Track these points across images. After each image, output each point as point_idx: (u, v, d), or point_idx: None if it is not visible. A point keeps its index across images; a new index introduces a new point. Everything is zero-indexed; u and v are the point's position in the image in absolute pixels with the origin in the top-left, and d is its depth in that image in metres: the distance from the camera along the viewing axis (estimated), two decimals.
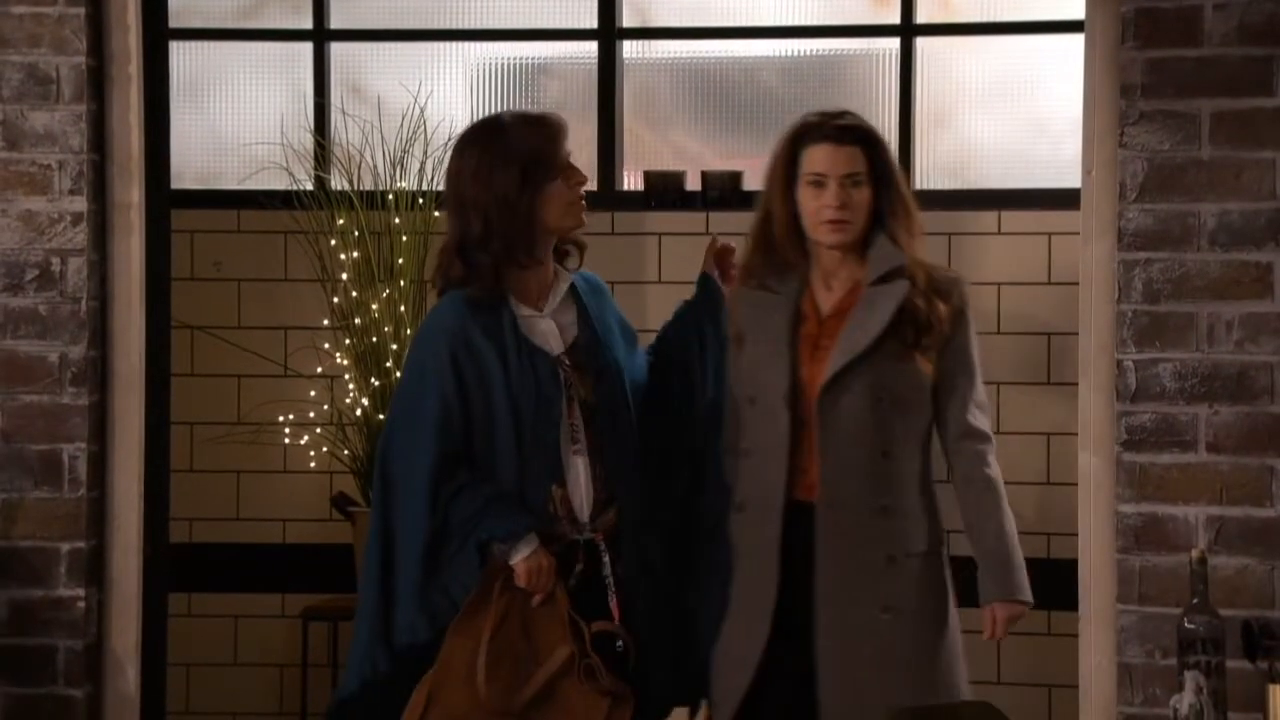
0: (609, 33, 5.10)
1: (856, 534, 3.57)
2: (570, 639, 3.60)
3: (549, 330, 3.71)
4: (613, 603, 3.65)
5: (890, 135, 4.94)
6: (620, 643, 3.62)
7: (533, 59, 5.32)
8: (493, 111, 3.85)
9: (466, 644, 3.60)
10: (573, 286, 3.72)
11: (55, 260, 4.42)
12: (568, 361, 3.69)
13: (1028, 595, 3.64)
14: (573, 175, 3.64)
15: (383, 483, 3.70)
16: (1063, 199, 4.69)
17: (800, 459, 3.60)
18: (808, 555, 3.58)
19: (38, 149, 4.42)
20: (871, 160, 3.63)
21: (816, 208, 3.61)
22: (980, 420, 3.67)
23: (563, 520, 3.67)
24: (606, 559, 3.66)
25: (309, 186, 5.20)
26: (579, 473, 3.68)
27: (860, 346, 3.59)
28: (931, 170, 5.03)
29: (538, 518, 3.64)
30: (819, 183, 3.61)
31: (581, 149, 5.01)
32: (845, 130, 3.63)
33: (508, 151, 3.60)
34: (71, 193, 4.42)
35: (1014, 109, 5.04)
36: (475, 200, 3.62)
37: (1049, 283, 4.98)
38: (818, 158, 3.61)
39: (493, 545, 3.63)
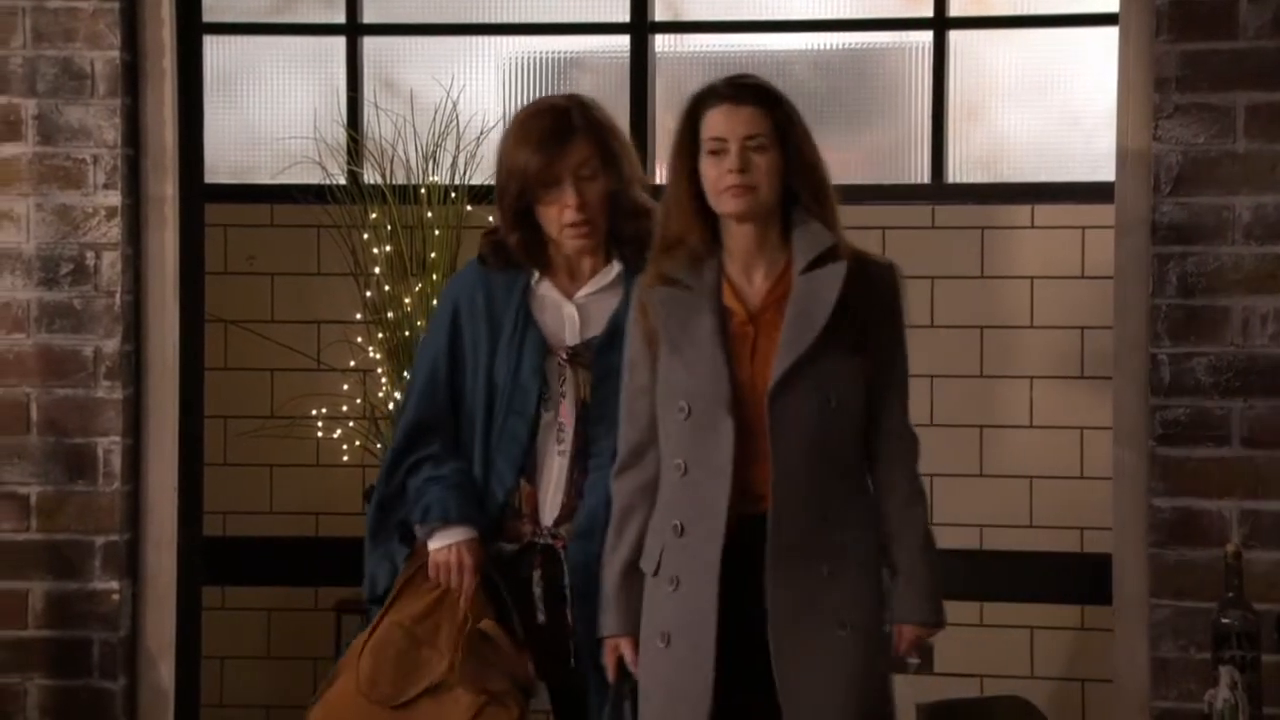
0: (641, 26, 5.09)
1: (807, 547, 3.27)
2: (456, 648, 3.43)
3: (568, 317, 3.53)
4: (568, 616, 3.46)
5: (923, 129, 4.94)
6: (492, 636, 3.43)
7: (565, 53, 5.32)
8: (541, 97, 3.73)
9: (378, 623, 3.48)
10: (627, 277, 3.50)
11: (90, 254, 4.44)
12: (565, 355, 3.50)
13: (941, 619, 3.40)
14: (563, 202, 3.46)
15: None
16: (1096, 193, 4.67)
17: (745, 471, 3.27)
18: (752, 573, 3.26)
19: (72, 143, 4.43)
20: (775, 122, 3.30)
21: (716, 176, 3.28)
22: (908, 422, 3.39)
23: (525, 519, 3.50)
24: (565, 568, 3.46)
25: (342, 181, 5.21)
26: (554, 473, 3.49)
27: (807, 342, 3.27)
28: (964, 164, 5.01)
29: (485, 511, 3.48)
30: (718, 149, 3.28)
31: None
32: (743, 89, 3.32)
33: (508, 160, 3.49)
34: (106, 187, 4.43)
35: (1047, 102, 5.02)
36: (500, 185, 3.52)
37: (1082, 277, 4.97)
38: (715, 121, 3.29)
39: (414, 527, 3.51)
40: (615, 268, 3.52)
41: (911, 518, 3.36)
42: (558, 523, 3.48)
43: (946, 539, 4.84)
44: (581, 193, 3.46)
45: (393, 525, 3.56)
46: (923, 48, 4.92)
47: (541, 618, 3.48)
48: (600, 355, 3.48)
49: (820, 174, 3.32)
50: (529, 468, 3.49)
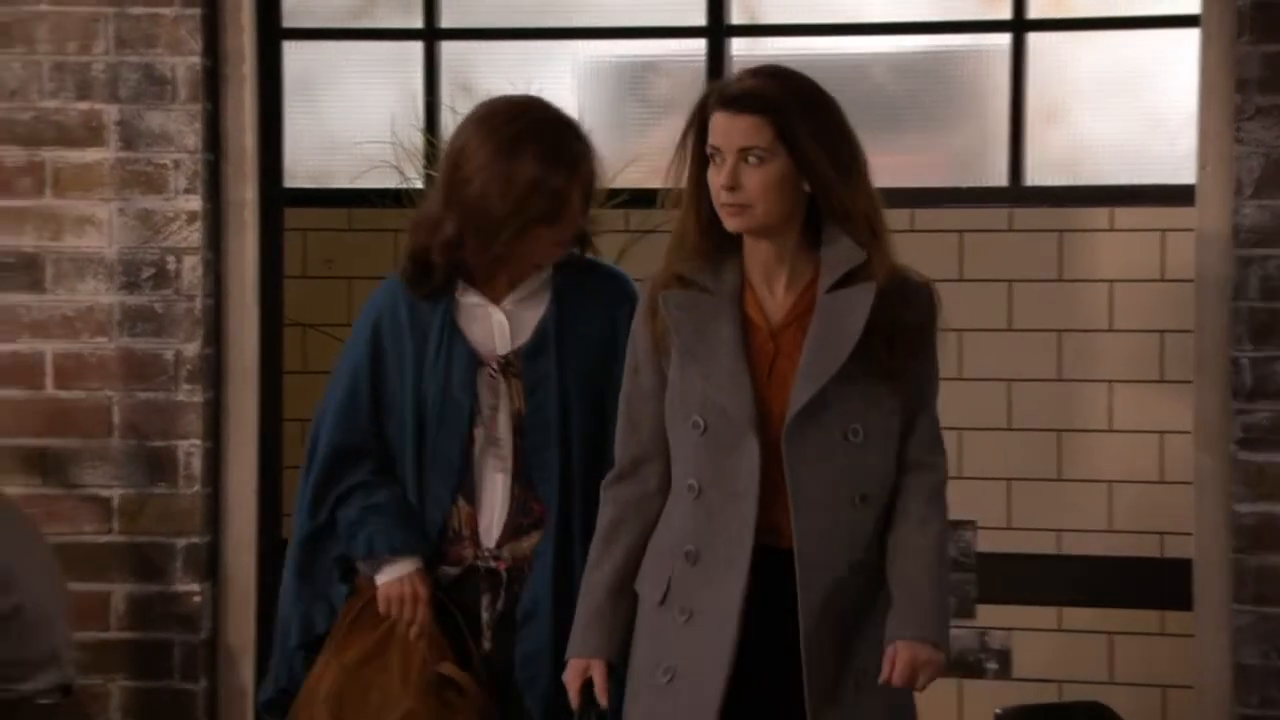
0: (717, 30, 5.08)
1: (836, 593, 2.96)
2: (417, 695, 3.19)
3: (497, 325, 3.28)
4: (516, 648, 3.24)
5: (1001, 132, 4.91)
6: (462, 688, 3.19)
7: (640, 56, 5.32)
8: (553, 105, 3.40)
9: (326, 669, 3.24)
10: (553, 279, 3.26)
11: (171, 259, 4.47)
12: (497, 366, 3.25)
13: (942, 642, 2.98)
14: (568, 227, 3.23)
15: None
16: (1177, 195, 4.64)
17: (766, 498, 2.96)
18: (773, 612, 2.96)
19: (154, 148, 4.47)
20: (782, 132, 2.96)
21: (716, 186, 3.00)
22: (937, 452, 3.07)
23: (466, 541, 3.26)
24: (503, 593, 3.24)
25: (419, 184, 5.22)
26: (495, 491, 3.25)
27: (829, 373, 2.95)
28: (1043, 167, 4.98)
29: (428, 538, 3.24)
30: (715, 157, 2.99)
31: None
32: (742, 97, 2.97)
33: (513, 170, 3.18)
34: (187, 192, 4.46)
35: (1127, 104, 4.99)
36: (460, 195, 3.20)
37: (1162, 280, 4.93)
38: (714, 128, 2.99)
39: (356, 562, 3.26)
40: (546, 271, 3.29)
41: (920, 538, 3.01)
42: (500, 544, 3.25)
43: (1024, 544, 4.84)
44: (583, 215, 3.24)
45: (327, 563, 3.31)
46: (1001, 50, 4.90)
47: (487, 645, 3.27)
48: (529, 362, 3.25)
49: (866, 191, 3.02)
50: (466, 487, 3.24)
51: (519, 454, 3.23)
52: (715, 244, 3.05)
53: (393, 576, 3.23)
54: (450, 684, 3.22)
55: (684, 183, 3.05)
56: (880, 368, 2.98)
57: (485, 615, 3.26)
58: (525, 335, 3.25)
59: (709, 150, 3.00)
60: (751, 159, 2.97)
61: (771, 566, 2.95)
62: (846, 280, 2.99)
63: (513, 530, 3.24)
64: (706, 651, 2.96)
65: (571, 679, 3.06)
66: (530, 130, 3.23)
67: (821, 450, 2.97)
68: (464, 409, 3.22)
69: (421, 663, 3.21)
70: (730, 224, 3.01)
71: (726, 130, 2.97)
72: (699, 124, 3.03)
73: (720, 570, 2.97)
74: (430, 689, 3.21)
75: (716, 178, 2.99)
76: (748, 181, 2.97)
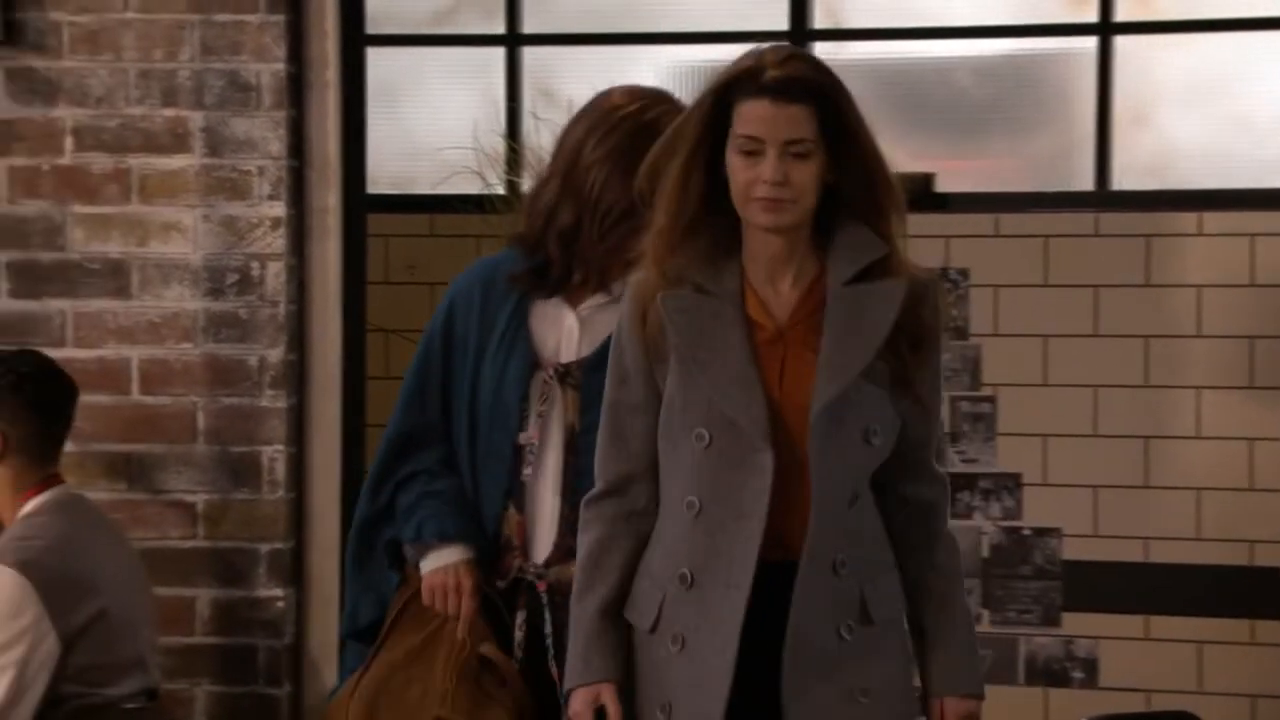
0: (800, 34, 5.06)
1: (832, 599, 2.80)
2: (451, 676, 3.02)
3: (567, 330, 3.14)
4: (553, 669, 3.05)
5: (1087, 136, 4.87)
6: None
7: (723, 61, 5.30)
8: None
9: (369, 666, 3.08)
10: None
11: (255, 264, 4.48)
12: (553, 372, 3.10)
13: (982, 689, 2.93)
14: None
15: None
16: (1266, 199, 4.58)
17: (774, 514, 2.76)
18: (765, 628, 2.77)
19: (238, 155, 4.48)
20: (824, 121, 2.76)
21: (748, 181, 2.76)
22: (942, 468, 2.92)
23: (516, 552, 3.10)
24: (548, 615, 3.06)
25: (501, 190, 5.23)
26: (545, 506, 3.09)
27: (858, 366, 2.77)
28: (1130, 171, 4.93)
29: (484, 532, 3.09)
30: (753, 150, 2.76)
31: None
32: (791, 85, 2.75)
33: (636, 162, 2.97)
34: (271, 198, 4.48)
35: (1216, 107, 4.93)
36: (578, 184, 3.12)
37: (1251, 285, 4.87)
38: (753, 117, 2.75)
39: (403, 547, 3.11)
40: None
41: (946, 583, 2.89)
42: (548, 563, 3.08)
43: (1111, 552, 4.79)
44: None
45: (379, 549, 3.18)
46: (1087, 54, 4.85)
47: (516, 663, 3.10)
48: (590, 375, 3.07)
49: (879, 175, 2.80)
50: (516, 494, 3.09)
51: (568, 471, 3.08)
52: (711, 240, 2.82)
53: (438, 565, 3.06)
54: (490, 669, 3.07)
55: (672, 175, 2.80)
56: (894, 370, 2.80)
57: (519, 634, 3.10)
58: (594, 345, 3.09)
59: (744, 142, 2.76)
60: (797, 152, 2.76)
61: (769, 583, 2.76)
62: (866, 274, 2.80)
63: (564, 552, 3.05)
64: (703, 682, 2.76)
65: (581, 711, 2.83)
66: (656, 123, 3.10)
67: (841, 451, 2.78)
68: (513, 412, 3.08)
69: (461, 644, 3.05)
70: (764, 219, 2.78)
71: (772, 123, 2.74)
72: (712, 110, 2.79)
73: (718, 594, 2.77)
74: (469, 673, 3.05)
75: (750, 170, 2.76)
76: (794, 176, 2.76)
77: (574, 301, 3.14)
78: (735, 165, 2.79)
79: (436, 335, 3.19)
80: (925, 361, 2.83)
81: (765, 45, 2.84)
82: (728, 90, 2.79)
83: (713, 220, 2.83)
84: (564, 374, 3.10)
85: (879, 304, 2.79)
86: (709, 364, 2.78)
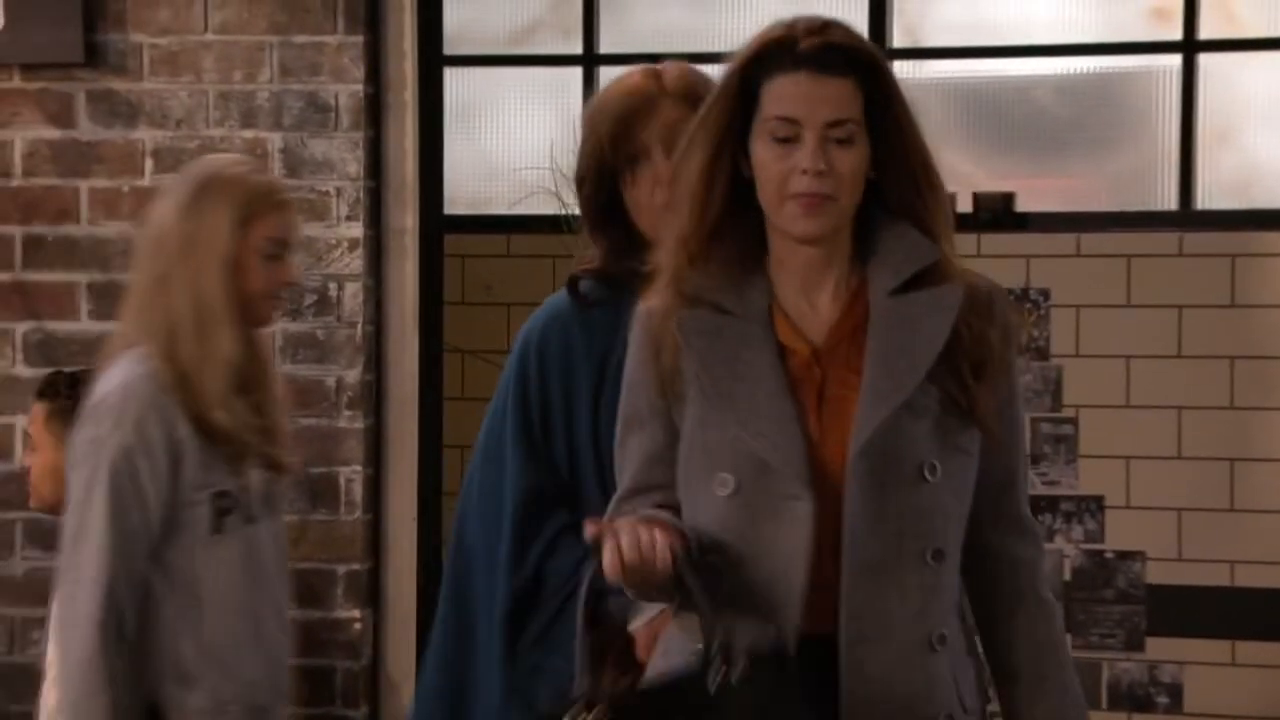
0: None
1: (900, 683, 2.31)
2: None
3: None
4: None
5: (1170, 154, 4.82)
6: None
7: None
8: None
9: None
10: None
11: (333, 285, 4.49)
12: None
13: None
14: None
15: (457, 537, 2.92)
16: None
17: (811, 571, 2.30)
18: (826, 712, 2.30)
19: (316, 176, 4.49)
20: (870, 101, 2.31)
21: (781, 173, 2.31)
22: (1028, 506, 2.46)
23: None
24: None
25: (577, 211, 5.22)
26: None
27: (908, 388, 2.31)
28: (1214, 190, 4.88)
29: None
30: (788, 135, 2.31)
31: None
32: (832, 52, 2.30)
33: None
34: (349, 219, 4.48)
35: None
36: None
37: None
38: (787, 93, 2.30)
39: (606, 604, 2.62)
40: None
41: (1049, 628, 2.43)
42: None
43: (1196, 576, 4.73)
44: None
45: (535, 630, 2.77)
46: (1171, 71, 4.80)
47: None
48: None
49: (929, 167, 2.37)
50: None
51: None
52: (736, 252, 2.38)
53: (655, 614, 2.61)
54: None
55: (693, 172, 2.36)
56: (958, 395, 2.34)
57: None
58: None
59: (776, 125, 2.31)
60: (841, 135, 2.31)
61: (810, 659, 2.29)
62: (915, 283, 2.36)
63: None
64: None
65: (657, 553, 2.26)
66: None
67: (890, 492, 2.30)
68: None
69: None
70: (802, 226, 2.32)
71: (811, 98, 2.29)
72: (741, 90, 2.34)
73: (760, 669, 2.28)
74: None
75: (785, 160, 2.31)
76: (839, 165, 2.31)
77: None
78: (765, 157, 2.32)
79: (532, 384, 2.83)
80: (993, 389, 2.36)
81: (795, 17, 2.37)
82: (755, 67, 2.33)
83: (734, 227, 2.39)
84: None
85: (930, 314, 2.34)
86: (736, 397, 2.32)
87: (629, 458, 2.44)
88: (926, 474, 2.33)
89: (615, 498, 2.45)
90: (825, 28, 2.33)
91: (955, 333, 2.35)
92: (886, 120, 2.34)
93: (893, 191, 2.36)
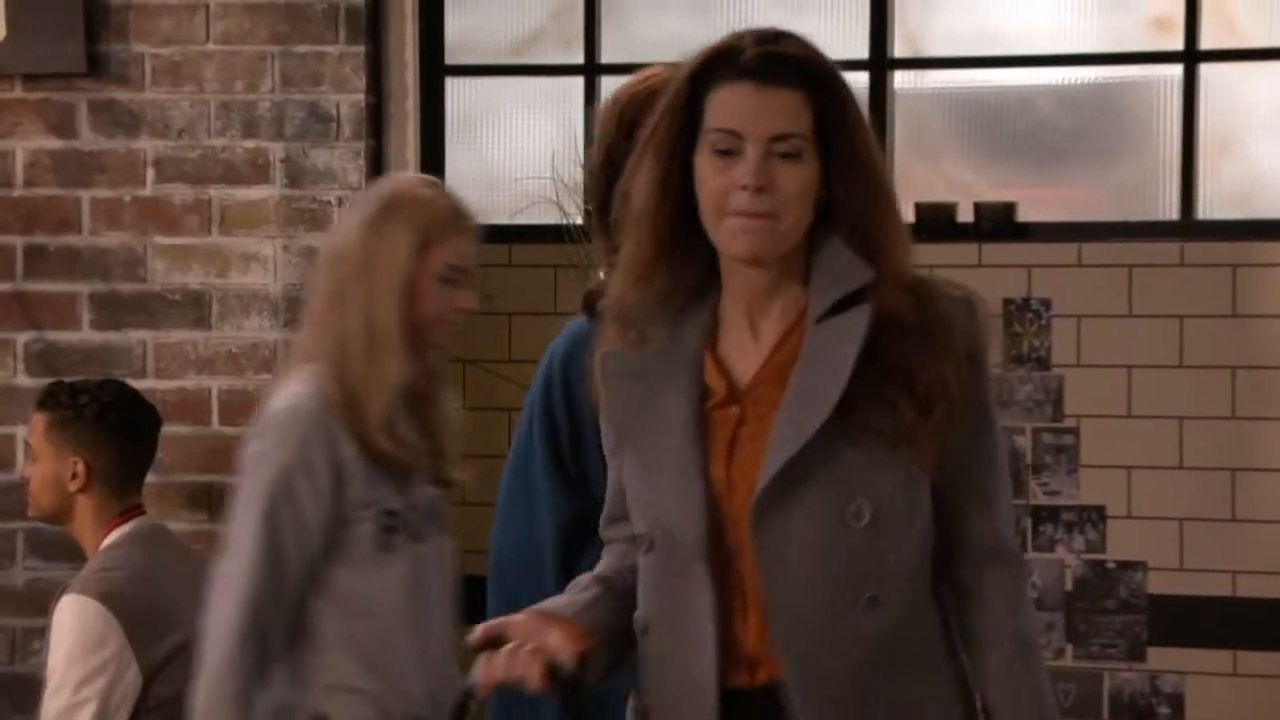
0: (880, 63, 5.03)
1: None
2: None
3: None
4: None
5: (1171, 165, 4.81)
6: None
7: None
8: None
9: None
10: None
11: None
12: None
13: None
14: None
15: (498, 567, 2.88)
16: None
17: (732, 627, 2.19)
18: None
19: (318, 185, 4.49)
20: (822, 115, 2.17)
21: (721, 188, 2.16)
22: (1010, 534, 2.28)
23: None
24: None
25: (579, 221, 5.22)
26: None
27: (813, 425, 2.14)
28: (1215, 200, 4.88)
29: None
30: (729, 148, 2.16)
31: None
32: (778, 63, 2.16)
33: None
34: None
35: None
36: None
37: None
38: (729, 105, 2.16)
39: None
40: None
41: (1029, 676, 2.25)
42: None
43: (1198, 586, 4.73)
44: None
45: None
46: (1172, 82, 4.80)
47: None
48: None
49: (883, 188, 2.22)
50: None
51: None
52: (684, 281, 2.23)
53: None
54: None
55: (642, 192, 2.22)
56: (894, 427, 2.16)
57: None
58: None
59: (717, 138, 2.18)
60: (786, 150, 2.17)
61: (749, 711, 2.19)
62: (841, 306, 2.21)
63: None
64: None
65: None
66: None
67: (809, 537, 2.15)
68: None
69: None
70: (740, 244, 2.17)
71: (752, 109, 2.15)
72: (687, 103, 2.20)
73: None
74: None
75: (725, 174, 2.16)
76: (782, 181, 2.16)
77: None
78: (705, 171, 2.18)
79: (559, 413, 2.80)
80: (942, 415, 2.17)
81: (750, 28, 2.25)
82: (701, 79, 2.20)
83: (687, 252, 2.23)
84: None
85: (840, 342, 2.17)
86: (643, 450, 2.21)
87: (609, 481, 2.36)
88: (850, 519, 2.16)
89: (602, 518, 2.39)
90: (777, 38, 2.21)
91: (884, 360, 2.17)
92: (839, 137, 2.19)
93: (844, 212, 2.21)
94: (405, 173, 3.54)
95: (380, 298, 3.13)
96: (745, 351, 2.24)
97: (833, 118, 2.19)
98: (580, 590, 2.30)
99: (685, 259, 2.24)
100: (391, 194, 3.21)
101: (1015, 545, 2.30)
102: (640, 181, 2.24)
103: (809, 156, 2.19)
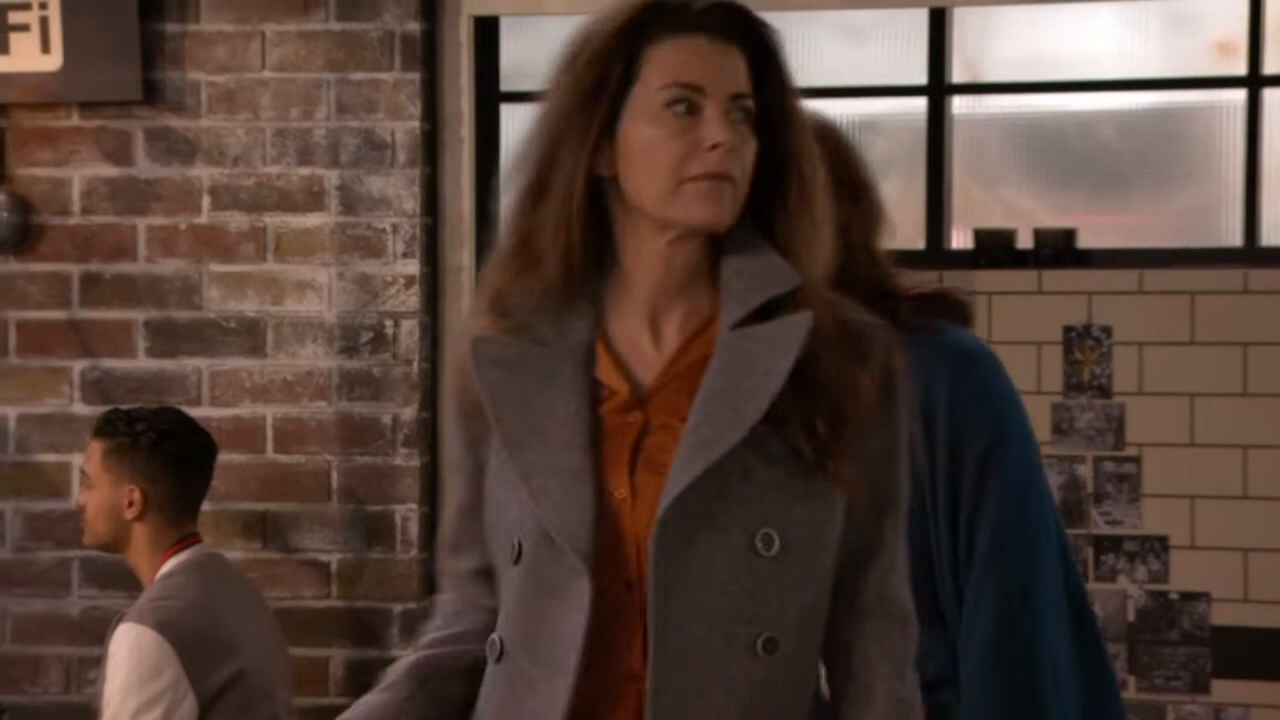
0: (938, 88, 4.99)
1: None
2: None
3: None
4: None
5: (1235, 190, 4.76)
6: None
7: (860, 115, 5.25)
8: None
9: None
10: None
11: (389, 323, 4.47)
12: None
13: None
14: None
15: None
16: None
17: (606, 665, 1.93)
18: None
19: (373, 213, 4.48)
20: (760, 87, 1.97)
21: (679, 151, 1.92)
22: (906, 594, 2.04)
23: None
24: None
25: None
26: None
27: (728, 442, 1.91)
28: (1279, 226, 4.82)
29: None
30: (691, 102, 1.93)
31: (909, 207, 4.92)
32: (731, 19, 1.96)
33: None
34: (405, 256, 4.47)
35: None
36: None
37: None
38: (684, 59, 1.93)
39: None
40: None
41: None
42: None
43: (1263, 617, 4.66)
44: None
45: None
46: (1235, 106, 4.75)
47: None
48: None
49: (815, 176, 1.99)
50: None
51: None
52: (581, 261, 1.98)
53: None
54: None
55: (564, 164, 1.95)
56: (814, 447, 1.93)
57: None
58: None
59: (675, 92, 1.94)
60: (743, 111, 1.95)
61: None
62: (769, 310, 1.98)
63: None
64: None
65: None
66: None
67: (711, 564, 1.90)
68: None
69: None
70: (706, 210, 1.92)
71: (712, 64, 1.93)
72: (624, 55, 1.95)
73: None
74: None
75: (689, 134, 1.92)
76: (743, 145, 1.95)
77: None
78: (654, 134, 1.92)
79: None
80: (860, 442, 1.96)
81: None
82: (632, 33, 1.95)
83: (588, 240, 1.99)
84: None
85: (770, 349, 1.94)
86: (525, 446, 1.95)
87: (456, 500, 2.10)
88: (760, 546, 1.92)
89: (445, 545, 2.14)
90: None
91: (808, 374, 1.95)
92: (775, 112, 1.97)
93: (769, 200, 1.98)
94: None
95: None
96: (643, 354, 2.00)
97: (772, 92, 1.97)
98: (389, 689, 2.08)
99: (585, 243, 1.99)
100: None
101: (910, 605, 2.05)
102: (561, 153, 1.95)
103: (751, 127, 1.96)
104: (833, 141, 2.39)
